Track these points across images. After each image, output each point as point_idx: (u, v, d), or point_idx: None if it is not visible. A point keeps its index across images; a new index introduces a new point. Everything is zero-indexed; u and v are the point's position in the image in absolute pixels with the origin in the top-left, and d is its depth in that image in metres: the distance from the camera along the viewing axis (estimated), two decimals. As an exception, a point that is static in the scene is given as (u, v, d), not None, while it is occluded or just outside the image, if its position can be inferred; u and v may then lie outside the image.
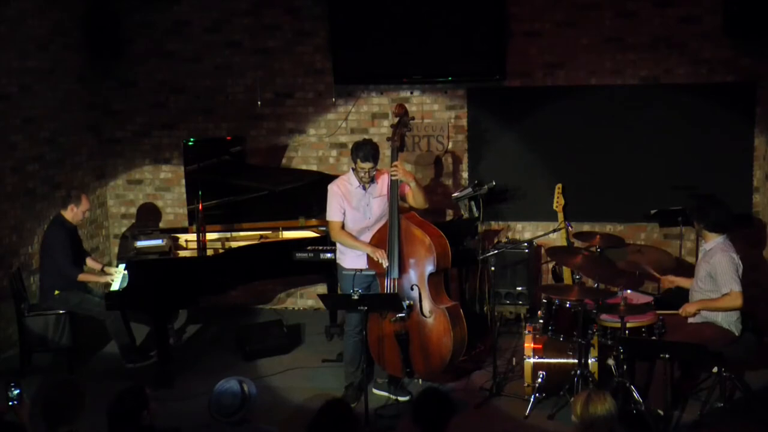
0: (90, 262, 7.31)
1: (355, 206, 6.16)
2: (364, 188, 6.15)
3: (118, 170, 8.81)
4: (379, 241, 6.13)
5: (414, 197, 6.15)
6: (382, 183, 6.20)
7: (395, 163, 6.04)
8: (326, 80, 8.25)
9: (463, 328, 6.16)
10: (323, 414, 3.95)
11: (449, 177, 8.25)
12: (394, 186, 6.06)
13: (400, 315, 5.93)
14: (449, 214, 8.23)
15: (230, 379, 4.25)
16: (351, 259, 6.19)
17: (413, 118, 6.64)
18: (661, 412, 5.46)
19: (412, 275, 6.09)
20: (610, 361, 5.76)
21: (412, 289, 6.07)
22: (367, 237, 6.19)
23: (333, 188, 6.19)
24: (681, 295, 6.17)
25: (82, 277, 6.96)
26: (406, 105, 6.56)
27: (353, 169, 6.13)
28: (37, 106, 7.69)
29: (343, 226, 6.17)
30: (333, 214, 6.17)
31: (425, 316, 6.06)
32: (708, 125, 7.69)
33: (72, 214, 6.95)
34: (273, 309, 8.59)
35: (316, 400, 5.95)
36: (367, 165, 6.01)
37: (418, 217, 6.25)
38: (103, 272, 7.13)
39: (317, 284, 8.41)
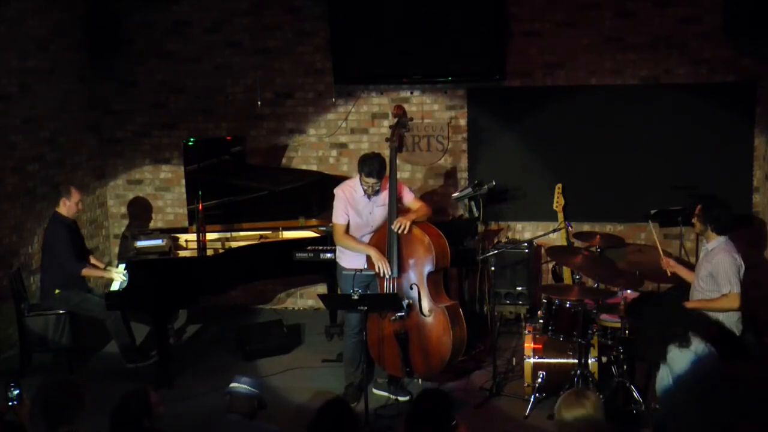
0: (93, 261, 7.28)
1: (358, 213, 6.17)
2: (369, 197, 6.16)
3: (118, 170, 8.80)
4: (378, 240, 6.13)
5: (419, 217, 6.16)
6: (387, 192, 6.19)
7: (397, 221, 5.96)
8: (326, 80, 8.24)
9: (462, 327, 6.15)
10: (323, 414, 3.94)
11: (449, 177, 8.24)
12: (393, 187, 6.07)
13: (399, 314, 5.93)
14: (449, 214, 8.22)
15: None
16: (350, 258, 6.19)
17: (412, 119, 6.64)
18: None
19: (411, 275, 6.08)
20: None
21: (411, 288, 6.07)
22: (366, 239, 6.20)
23: (339, 193, 6.20)
24: (682, 294, 6.11)
25: (85, 272, 6.96)
26: (406, 105, 6.61)
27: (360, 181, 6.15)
28: (37, 106, 7.69)
29: (347, 230, 6.17)
30: (338, 217, 6.17)
31: (424, 316, 6.06)
32: (708, 125, 7.68)
33: (66, 207, 6.94)
34: (273, 309, 8.58)
35: (316, 400, 5.94)
36: (371, 180, 6.01)
37: (418, 217, 6.25)
38: (106, 270, 7.14)
39: (317, 284, 8.40)
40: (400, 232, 5.97)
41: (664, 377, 4.82)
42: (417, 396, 4.09)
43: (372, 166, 5.99)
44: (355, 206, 6.15)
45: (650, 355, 4.95)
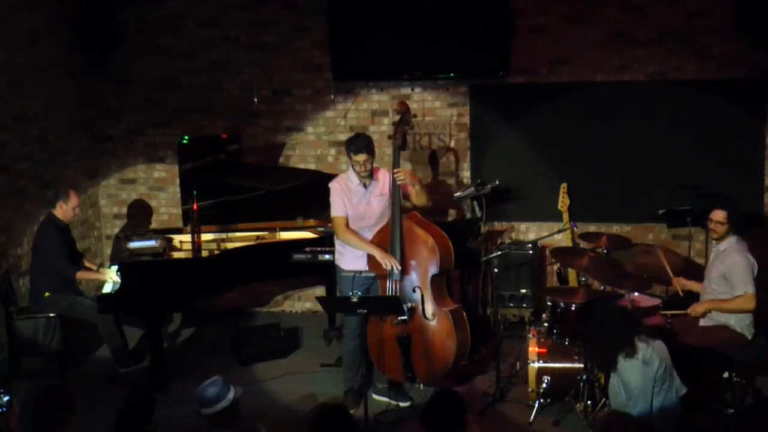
0: (87, 264, 7.21)
1: (355, 204, 6.09)
2: (365, 186, 6.09)
3: (111, 169, 8.71)
4: (380, 241, 6.05)
5: (418, 197, 6.12)
6: (383, 181, 6.15)
7: (398, 169, 5.98)
8: (325, 77, 8.16)
9: (466, 331, 6.08)
10: (321, 419, 3.91)
11: (451, 176, 8.16)
12: (397, 187, 6.00)
13: (402, 318, 5.84)
14: (451, 214, 8.16)
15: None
16: (350, 260, 6.10)
17: (415, 116, 6.58)
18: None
19: (414, 277, 6.00)
20: None
21: (414, 291, 5.99)
22: (367, 237, 6.11)
23: (334, 185, 6.13)
24: (690, 297, 6.10)
25: (79, 275, 6.89)
26: (407, 102, 6.50)
27: (353, 167, 6.08)
28: (27, 103, 7.57)
29: (347, 224, 6.07)
30: (336, 209, 6.09)
31: (428, 319, 5.98)
32: (717, 122, 7.58)
33: (62, 211, 6.86)
34: (270, 312, 8.54)
35: (314, 406, 5.83)
36: (361, 157, 5.95)
37: (420, 218, 6.18)
38: (99, 272, 7.09)
39: (315, 286, 8.34)
40: (398, 179, 5.92)
41: (614, 384, 5.00)
42: (432, 396, 4.10)
43: (359, 143, 5.99)
44: (351, 198, 6.08)
45: (602, 363, 5.15)
